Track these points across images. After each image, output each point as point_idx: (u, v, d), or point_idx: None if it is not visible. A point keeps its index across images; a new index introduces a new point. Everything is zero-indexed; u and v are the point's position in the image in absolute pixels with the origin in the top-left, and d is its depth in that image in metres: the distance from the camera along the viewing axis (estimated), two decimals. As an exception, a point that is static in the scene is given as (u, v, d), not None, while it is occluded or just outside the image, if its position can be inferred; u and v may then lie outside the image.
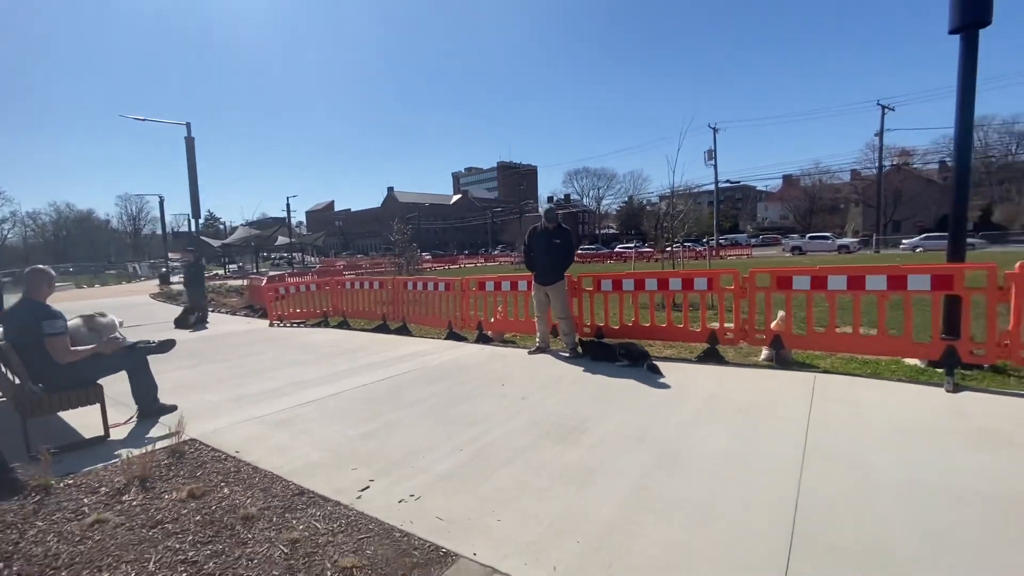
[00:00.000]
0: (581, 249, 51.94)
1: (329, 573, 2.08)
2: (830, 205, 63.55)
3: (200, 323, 10.88)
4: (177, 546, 2.34)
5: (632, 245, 48.20)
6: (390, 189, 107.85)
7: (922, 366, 4.50)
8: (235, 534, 2.42)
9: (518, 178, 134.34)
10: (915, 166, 52.91)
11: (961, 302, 4.14)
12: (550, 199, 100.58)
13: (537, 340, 6.11)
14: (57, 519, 2.64)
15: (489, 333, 7.17)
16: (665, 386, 4.45)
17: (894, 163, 45.39)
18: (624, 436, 3.37)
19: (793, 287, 4.92)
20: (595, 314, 6.21)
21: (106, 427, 3.87)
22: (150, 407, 4.27)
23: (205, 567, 2.18)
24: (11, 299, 4.61)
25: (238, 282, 22.41)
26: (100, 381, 3.89)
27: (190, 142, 17.37)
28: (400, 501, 2.63)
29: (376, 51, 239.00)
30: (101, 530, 2.52)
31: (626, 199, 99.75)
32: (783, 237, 52.47)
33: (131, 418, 4.20)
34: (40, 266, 3.80)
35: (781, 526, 2.22)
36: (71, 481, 3.08)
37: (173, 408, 4.33)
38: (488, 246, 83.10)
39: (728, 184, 65.17)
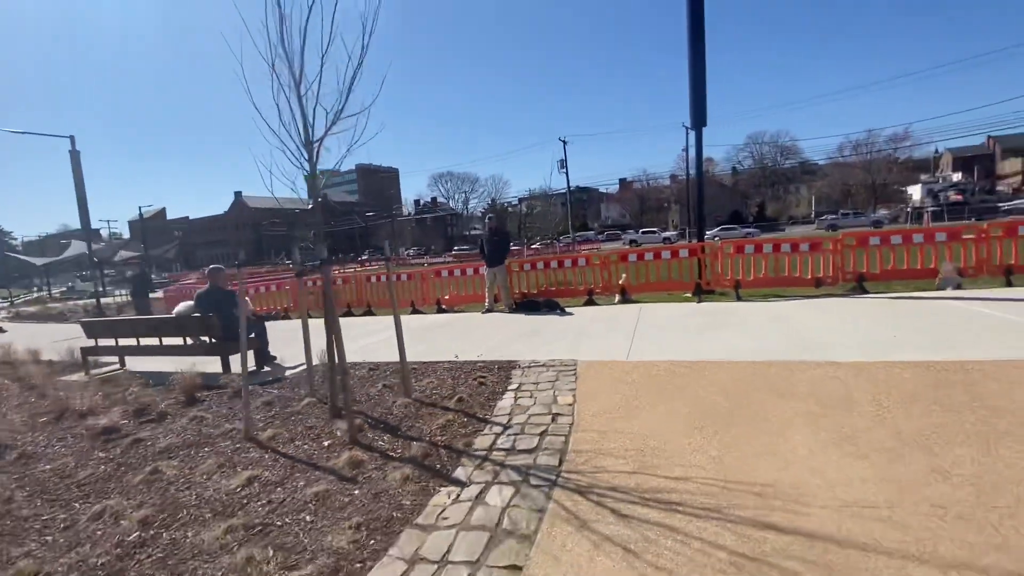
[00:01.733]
0: (457, 249, 55.58)
1: (473, 372, 5.30)
2: (656, 205, 76.01)
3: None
4: (388, 380, 5.33)
5: (501, 244, 53.31)
6: (238, 194, 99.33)
7: (689, 295, 8.92)
8: (424, 372, 5.47)
9: (380, 180, 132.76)
10: (714, 173, 66.86)
11: (700, 261, 8.62)
12: (417, 202, 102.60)
13: (485, 305, 9.50)
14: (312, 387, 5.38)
15: (444, 306, 10.34)
16: (570, 315, 8.22)
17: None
18: (558, 332, 6.98)
19: (628, 260, 9.08)
20: (521, 284, 9.82)
21: (259, 363, 6.36)
22: (266, 355, 6.74)
23: (426, 376, 5.24)
24: None
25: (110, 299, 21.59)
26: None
27: (75, 155, 17.05)
28: (477, 356, 5.89)
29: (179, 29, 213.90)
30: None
31: (489, 201, 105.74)
32: (622, 233, 62.28)
33: (259, 362, 6.63)
34: (219, 265, 6.14)
35: (629, 338, 6.01)
36: (290, 376, 5.72)
37: (275, 358, 6.84)
38: (356, 251, 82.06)
39: (577, 188, 74.41)
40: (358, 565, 2.21)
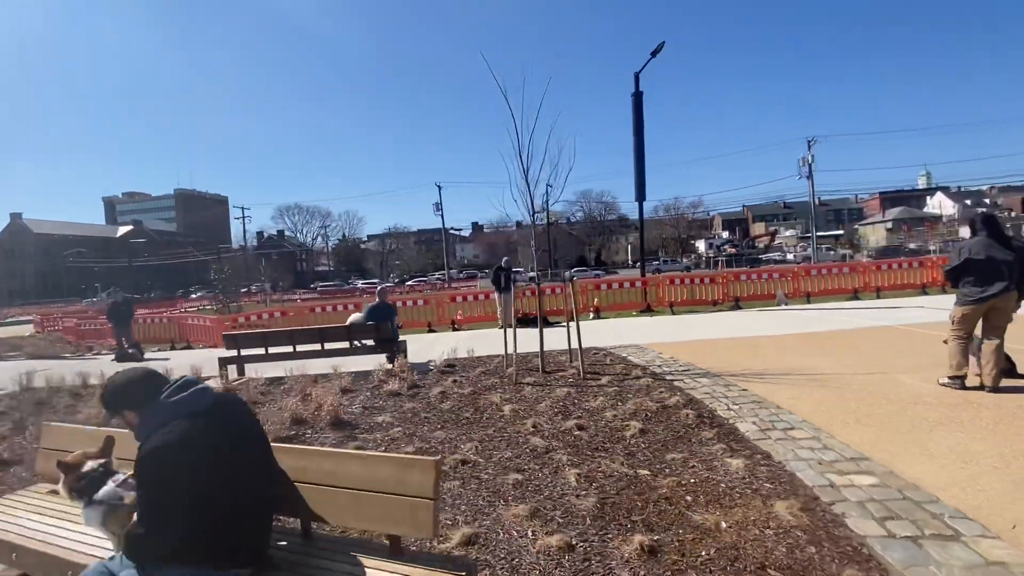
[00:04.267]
0: (321, 286, 54.36)
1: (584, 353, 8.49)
2: (512, 248, 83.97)
3: (138, 354, 12.16)
4: (533, 360, 8.21)
5: (375, 281, 54.13)
6: (15, 216, 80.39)
7: (636, 312, 13.18)
8: (548, 354, 8.41)
9: (204, 208, 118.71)
10: (561, 222, 77.81)
11: (646, 287, 13.02)
12: (259, 234, 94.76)
13: (500, 322, 12.47)
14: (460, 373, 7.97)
15: (457, 324, 12.96)
16: (563, 328, 11.77)
17: (552, 221, 66.03)
18: (558, 335, 10.47)
19: (600, 288, 13.08)
20: (525, 305, 13.06)
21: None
22: (405, 354, 8.85)
23: (556, 357, 8.23)
24: None
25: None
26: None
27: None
28: (563, 347, 9.06)
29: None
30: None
31: (340, 238, 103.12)
32: (479, 272, 67.93)
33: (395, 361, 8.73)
34: (388, 284, 8.21)
35: (643, 335, 9.82)
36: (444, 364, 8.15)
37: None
38: (184, 288, 72.55)
39: (435, 230, 78.53)
40: (676, 399, 5.46)
